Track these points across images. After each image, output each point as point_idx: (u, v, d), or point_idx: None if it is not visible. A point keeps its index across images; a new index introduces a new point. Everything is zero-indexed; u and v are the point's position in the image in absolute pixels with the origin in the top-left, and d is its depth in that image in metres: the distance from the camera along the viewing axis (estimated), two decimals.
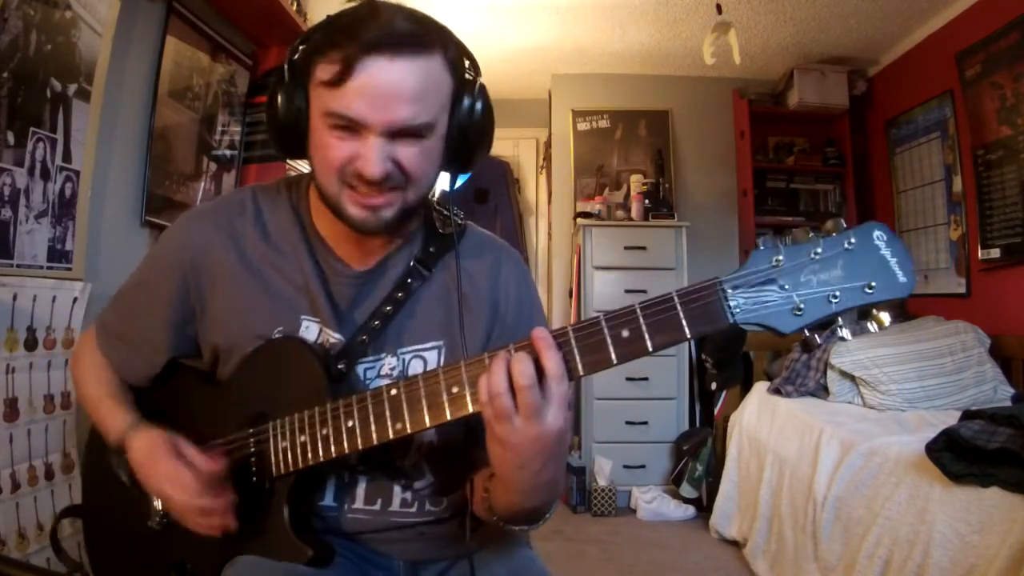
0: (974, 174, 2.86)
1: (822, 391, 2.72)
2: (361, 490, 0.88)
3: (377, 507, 0.88)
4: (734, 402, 3.13)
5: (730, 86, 3.90)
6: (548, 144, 4.10)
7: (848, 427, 2.23)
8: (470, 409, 0.72)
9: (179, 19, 2.03)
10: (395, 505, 0.89)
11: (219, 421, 0.89)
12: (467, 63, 0.85)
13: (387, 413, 0.76)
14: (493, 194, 4.28)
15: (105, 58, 1.67)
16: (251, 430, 0.85)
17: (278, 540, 0.81)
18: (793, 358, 2.86)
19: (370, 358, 0.88)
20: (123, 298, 0.97)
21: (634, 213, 3.59)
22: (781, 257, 0.63)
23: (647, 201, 3.59)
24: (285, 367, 0.85)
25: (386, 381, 0.87)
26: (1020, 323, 2.65)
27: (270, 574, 0.79)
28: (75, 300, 1.61)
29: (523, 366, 0.66)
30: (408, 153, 0.78)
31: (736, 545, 2.71)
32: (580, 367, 0.68)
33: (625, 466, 3.35)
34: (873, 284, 0.61)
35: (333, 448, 0.79)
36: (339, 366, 0.85)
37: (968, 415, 1.83)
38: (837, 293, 0.62)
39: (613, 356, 0.67)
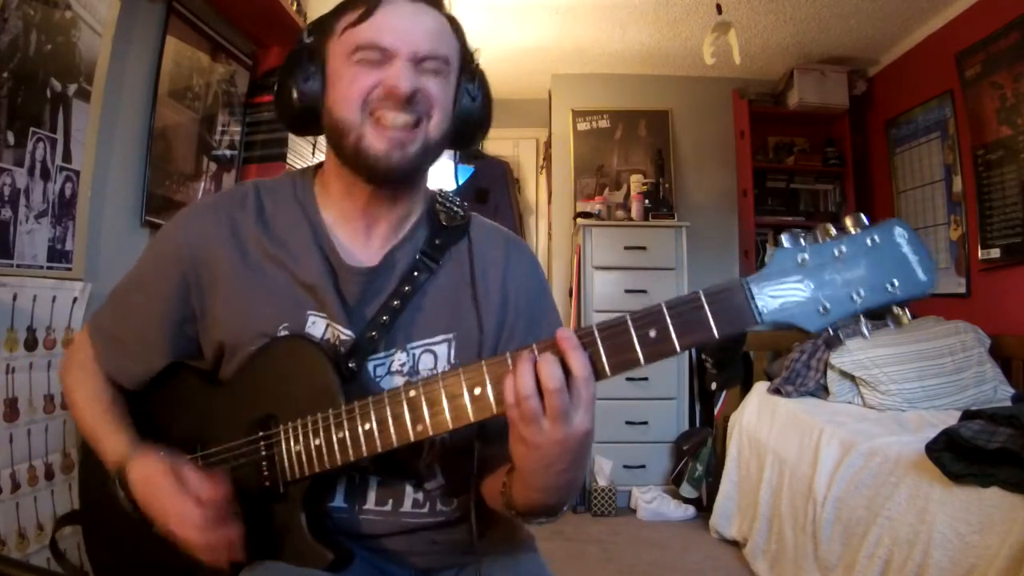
0: (974, 174, 2.86)
1: (822, 391, 2.72)
2: (373, 491, 0.86)
3: (388, 508, 0.87)
4: (734, 402, 3.13)
5: (730, 86, 3.90)
6: (548, 144, 4.10)
7: (848, 427, 2.23)
8: (494, 411, 0.70)
9: (179, 19, 2.03)
10: (407, 506, 0.87)
11: (224, 424, 0.86)
12: (469, 48, 0.91)
13: (406, 415, 0.74)
14: (493, 194, 4.28)
15: (105, 58, 1.67)
16: (261, 433, 0.83)
17: (296, 545, 0.80)
18: (793, 358, 2.86)
19: (380, 354, 0.86)
20: (119, 297, 0.93)
21: (634, 213, 3.59)
22: (806, 256, 0.63)
23: (647, 201, 3.59)
24: (293, 366, 0.82)
25: (397, 377, 0.86)
26: (1020, 323, 2.65)
27: None
28: (75, 300, 1.61)
29: (551, 368, 0.65)
30: (431, 83, 0.83)
31: (736, 545, 2.71)
32: (607, 368, 0.67)
33: (625, 466, 3.35)
34: (895, 282, 0.61)
35: (351, 452, 0.77)
36: (350, 364, 0.83)
37: (968, 415, 1.83)
38: (861, 291, 0.62)
39: (641, 356, 0.66)
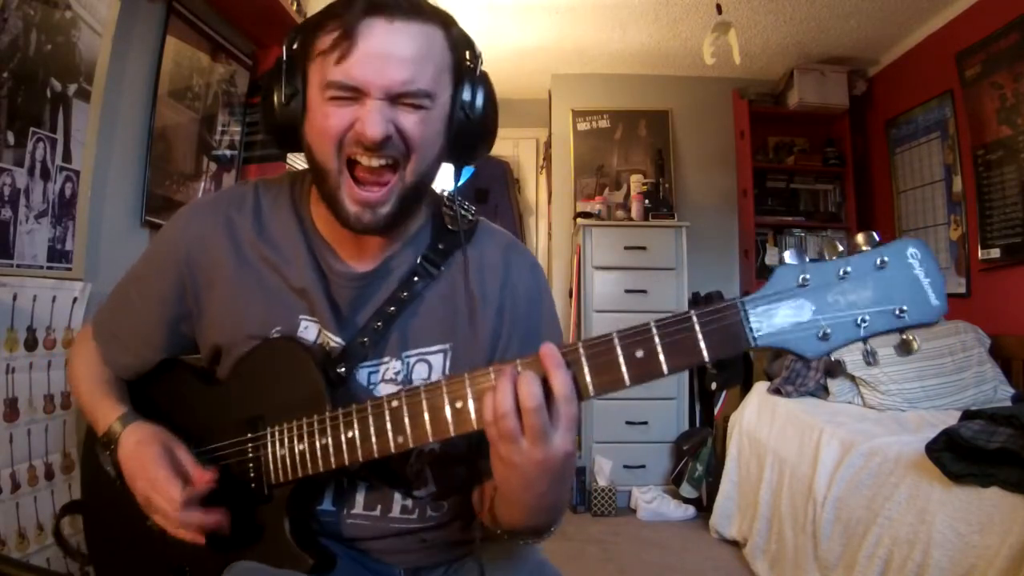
0: (974, 174, 2.86)
1: (822, 391, 2.72)
2: (361, 496, 0.86)
3: (377, 513, 0.86)
4: (734, 402, 3.13)
5: (730, 86, 3.90)
6: (548, 144, 4.10)
7: (848, 427, 2.23)
8: (474, 426, 0.69)
9: (179, 19, 2.03)
10: (395, 512, 0.86)
11: (215, 422, 0.87)
12: (467, 53, 0.83)
13: (388, 426, 0.73)
14: (493, 194, 4.28)
15: (105, 58, 1.67)
16: (249, 435, 0.83)
17: (278, 548, 0.80)
18: (793, 358, 2.86)
19: (372, 361, 0.85)
20: (119, 293, 0.95)
21: (634, 213, 3.59)
22: (808, 276, 0.59)
23: (647, 201, 3.58)
24: (282, 369, 0.82)
25: (390, 386, 0.85)
26: (1020, 323, 2.65)
27: None
28: (75, 300, 1.61)
29: (530, 387, 0.63)
30: (409, 120, 0.76)
31: (736, 545, 2.71)
32: (591, 388, 0.64)
33: (625, 466, 3.35)
34: (905, 308, 0.57)
35: (333, 459, 0.76)
36: (339, 369, 0.82)
37: (968, 415, 1.83)
38: (867, 317, 0.57)
39: (626, 377, 0.63)
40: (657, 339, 0.62)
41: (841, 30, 3.31)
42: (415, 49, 0.75)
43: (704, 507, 3.11)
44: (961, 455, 1.61)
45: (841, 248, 0.60)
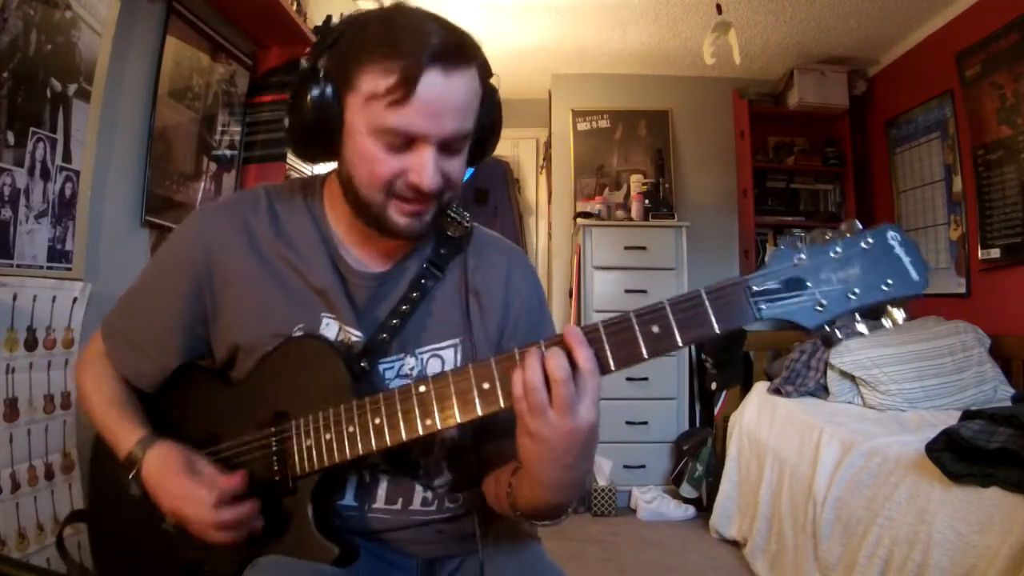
0: (974, 174, 2.86)
1: (822, 391, 2.72)
2: (382, 490, 0.88)
3: (398, 507, 0.89)
4: (734, 402, 3.13)
5: (730, 86, 3.90)
6: (548, 144, 4.10)
7: (848, 427, 2.24)
8: (501, 405, 0.72)
9: (179, 19, 2.03)
10: (416, 504, 0.89)
11: (237, 421, 0.88)
12: (489, 80, 0.87)
13: (416, 410, 0.76)
14: (493, 194, 4.28)
15: (105, 58, 1.67)
16: (273, 428, 0.85)
17: (302, 539, 0.81)
18: (793, 358, 2.86)
19: (391, 357, 0.88)
20: (131, 299, 0.95)
21: (634, 213, 3.59)
22: (803, 256, 0.66)
23: (647, 201, 3.59)
24: (306, 365, 0.84)
25: (405, 381, 0.86)
26: (1020, 323, 2.65)
27: (292, 574, 0.79)
28: (75, 300, 1.61)
29: (559, 360, 0.67)
30: (453, 165, 0.82)
31: (736, 545, 2.71)
32: (612, 362, 0.69)
33: (625, 466, 3.36)
34: (890, 282, 0.64)
35: (360, 446, 0.78)
36: (362, 364, 0.85)
37: (968, 415, 1.83)
38: (856, 290, 0.64)
39: (644, 351, 0.68)
40: (671, 315, 0.67)
41: (841, 30, 3.31)
42: (465, 98, 0.80)
43: (704, 507, 3.11)
44: (961, 455, 1.61)
45: (830, 235, 0.67)
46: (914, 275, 0.64)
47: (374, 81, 0.76)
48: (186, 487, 0.82)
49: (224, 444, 0.88)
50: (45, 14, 1.48)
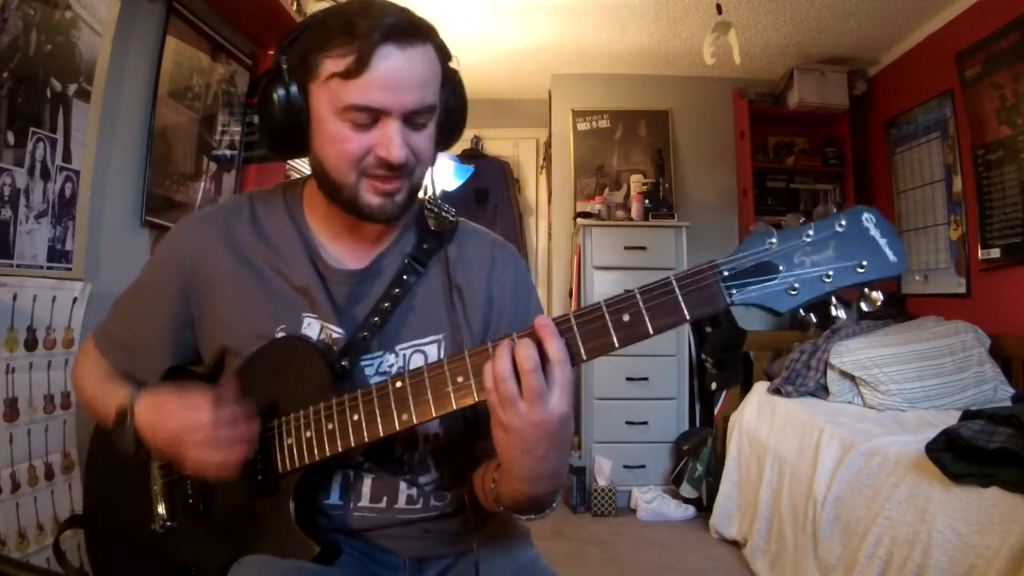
0: (974, 174, 2.86)
1: (822, 391, 2.72)
2: (367, 488, 0.88)
3: (383, 505, 0.89)
4: (734, 402, 3.13)
5: (730, 86, 3.90)
6: (548, 144, 4.10)
7: (848, 427, 2.23)
8: (476, 398, 0.73)
9: (179, 19, 2.03)
10: (401, 502, 0.89)
11: None
12: (448, 60, 0.89)
13: (393, 405, 0.76)
14: (493, 194, 4.28)
15: (105, 58, 1.67)
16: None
17: (284, 537, 0.82)
18: (793, 358, 2.86)
19: (372, 355, 0.89)
20: (123, 304, 0.98)
21: (634, 213, 3.59)
22: (774, 240, 0.65)
23: (647, 201, 3.58)
24: (289, 365, 0.85)
25: (386, 378, 0.87)
26: (1020, 323, 2.65)
27: (276, 572, 0.79)
28: (75, 300, 1.61)
29: (527, 351, 0.67)
30: (419, 139, 0.83)
31: (736, 545, 2.71)
32: (583, 352, 0.69)
33: (625, 466, 3.35)
34: (864, 264, 0.63)
35: (340, 442, 0.79)
36: (342, 363, 0.85)
37: (968, 415, 1.83)
38: (830, 273, 0.63)
39: (615, 340, 0.68)
40: (641, 303, 0.67)
41: (841, 30, 3.31)
42: (423, 73, 0.81)
43: (704, 507, 3.11)
44: (961, 455, 1.61)
45: (802, 219, 0.66)
46: (891, 256, 0.63)
47: (333, 64, 0.79)
48: (181, 417, 0.81)
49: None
50: (45, 14, 1.48)
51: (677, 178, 3.89)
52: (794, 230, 0.65)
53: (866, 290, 0.65)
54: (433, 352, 0.91)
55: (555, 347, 0.68)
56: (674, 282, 0.66)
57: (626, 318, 0.68)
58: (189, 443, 0.80)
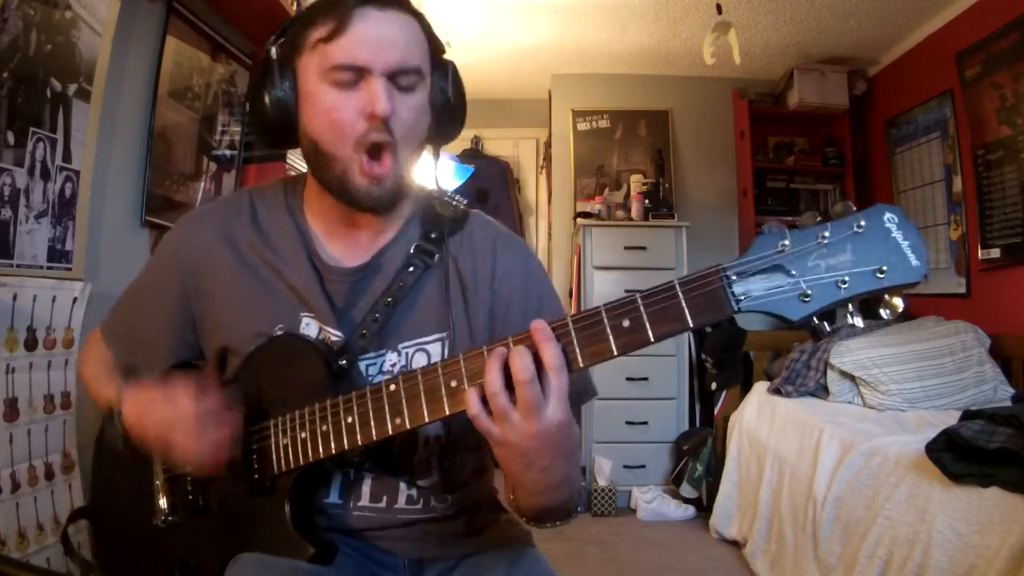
0: (974, 174, 2.86)
1: (822, 391, 2.72)
2: (367, 488, 0.88)
3: (383, 504, 0.88)
4: (734, 402, 3.13)
5: (730, 86, 3.90)
6: (548, 144, 4.10)
7: (848, 427, 2.23)
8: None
9: (179, 19, 2.03)
10: (401, 502, 0.89)
11: None
12: (437, 43, 0.89)
13: (386, 409, 0.75)
14: (493, 194, 4.28)
15: (105, 58, 1.67)
16: (252, 428, 0.85)
17: (280, 537, 0.81)
18: (793, 358, 2.86)
19: (372, 354, 0.87)
20: (125, 302, 0.98)
21: (634, 213, 3.59)
22: (787, 242, 0.60)
23: (647, 201, 3.59)
24: (287, 364, 0.85)
25: (388, 377, 0.86)
26: (1020, 323, 2.65)
27: (273, 571, 0.79)
28: (75, 300, 1.61)
29: (523, 360, 0.64)
30: (404, 104, 0.82)
31: (736, 545, 2.71)
32: (580, 359, 0.66)
33: (625, 466, 3.35)
34: (884, 269, 0.58)
35: (333, 445, 0.78)
36: (340, 362, 0.84)
37: (968, 415, 1.83)
38: (846, 278, 0.58)
39: (614, 347, 0.65)
40: (643, 308, 0.64)
41: (841, 30, 3.30)
42: (405, 34, 0.82)
43: (704, 507, 3.11)
44: (961, 455, 1.61)
45: (819, 218, 0.61)
46: (913, 261, 0.57)
47: (317, 32, 0.81)
48: (168, 411, 0.80)
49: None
50: (45, 14, 1.48)
51: (677, 178, 3.89)
52: (808, 230, 0.60)
53: (886, 296, 0.59)
54: (436, 350, 0.89)
55: (551, 353, 0.65)
56: (678, 287, 0.63)
57: (626, 324, 0.64)
58: (174, 434, 0.80)
